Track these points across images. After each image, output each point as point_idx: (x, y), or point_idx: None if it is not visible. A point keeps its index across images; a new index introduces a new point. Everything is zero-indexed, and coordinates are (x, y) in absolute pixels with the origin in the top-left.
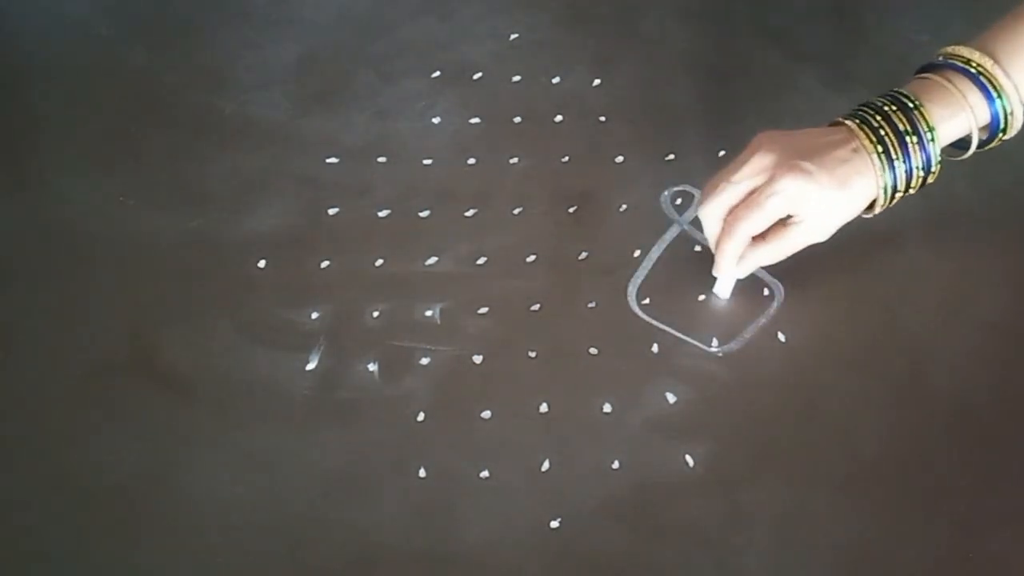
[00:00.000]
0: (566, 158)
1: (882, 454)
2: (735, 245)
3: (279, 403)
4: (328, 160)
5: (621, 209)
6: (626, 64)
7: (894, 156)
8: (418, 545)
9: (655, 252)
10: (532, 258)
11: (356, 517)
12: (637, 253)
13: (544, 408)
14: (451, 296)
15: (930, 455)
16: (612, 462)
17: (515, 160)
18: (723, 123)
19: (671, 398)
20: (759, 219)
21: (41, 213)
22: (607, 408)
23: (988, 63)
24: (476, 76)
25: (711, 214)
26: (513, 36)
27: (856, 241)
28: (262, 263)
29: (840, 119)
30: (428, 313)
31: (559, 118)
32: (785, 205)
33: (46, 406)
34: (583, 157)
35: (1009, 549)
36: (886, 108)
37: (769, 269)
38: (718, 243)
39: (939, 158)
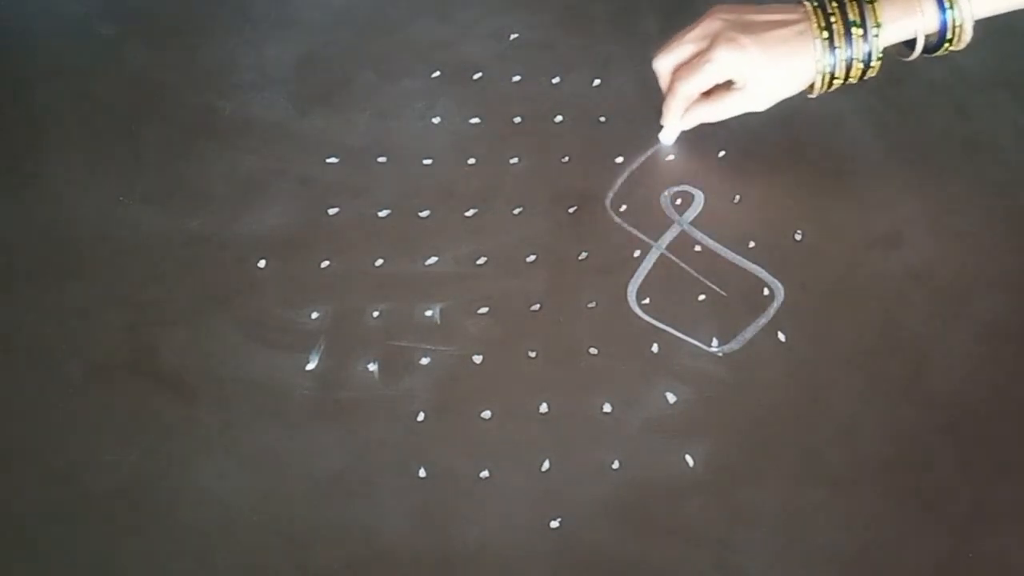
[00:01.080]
0: (566, 158)
1: (882, 454)
2: (676, 101)
3: (279, 403)
4: (328, 160)
5: (621, 209)
6: (626, 64)
7: (836, 44)
8: (418, 545)
9: (655, 252)
10: (532, 258)
11: (356, 517)
12: (637, 253)
13: (544, 408)
14: (451, 296)
15: (930, 455)
16: (612, 462)
17: (515, 160)
18: (723, 123)
19: (671, 398)
20: (696, 81)
21: (41, 213)
22: (607, 408)
23: None
24: (476, 76)
25: (661, 68)
26: (513, 36)
27: (856, 241)
28: (262, 263)
29: None
30: (428, 313)
31: (559, 118)
32: (719, 72)
33: (46, 406)
34: (583, 157)
35: (1009, 549)
36: None
37: (769, 269)
38: (665, 97)
39: (880, 54)
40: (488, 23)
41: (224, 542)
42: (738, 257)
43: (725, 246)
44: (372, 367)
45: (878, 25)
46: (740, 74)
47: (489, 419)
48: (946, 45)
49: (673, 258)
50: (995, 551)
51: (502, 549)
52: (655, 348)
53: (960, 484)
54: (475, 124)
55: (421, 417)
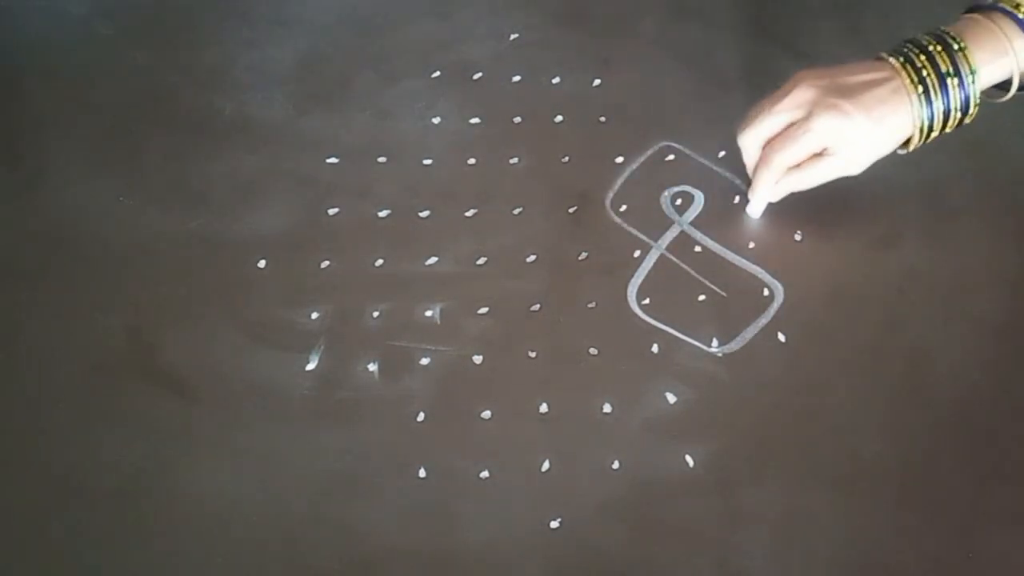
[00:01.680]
0: (566, 158)
1: (882, 454)
2: (771, 174)
3: (279, 403)
4: (328, 160)
5: (621, 209)
6: (626, 64)
7: (933, 96)
8: (418, 545)
9: (655, 252)
10: (532, 258)
11: (356, 517)
12: (637, 253)
13: (544, 408)
14: (451, 296)
15: (930, 455)
16: (612, 462)
17: (515, 160)
18: (723, 123)
19: (671, 398)
20: (795, 152)
21: (41, 213)
22: (607, 408)
23: None
24: (476, 76)
25: (750, 142)
26: (513, 36)
27: (856, 241)
28: (262, 263)
29: (884, 55)
30: (428, 313)
31: (559, 118)
32: (820, 141)
33: (46, 406)
34: (583, 157)
35: (1009, 549)
36: (930, 47)
37: (769, 269)
38: (756, 170)
39: (978, 100)
40: (488, 23)
41: (224, 542)
42: (738, 257)
43: (725, 246)
44: (372, 367)
45: (973, 72)
46: (841, 139)
47: (489, 419)
48: None
49: (673, 258)
50: (995, 551)
51: (502, 549)
52: (655, 348)
53: (960, 484)
54: (475, 124)
55: (421, 417)
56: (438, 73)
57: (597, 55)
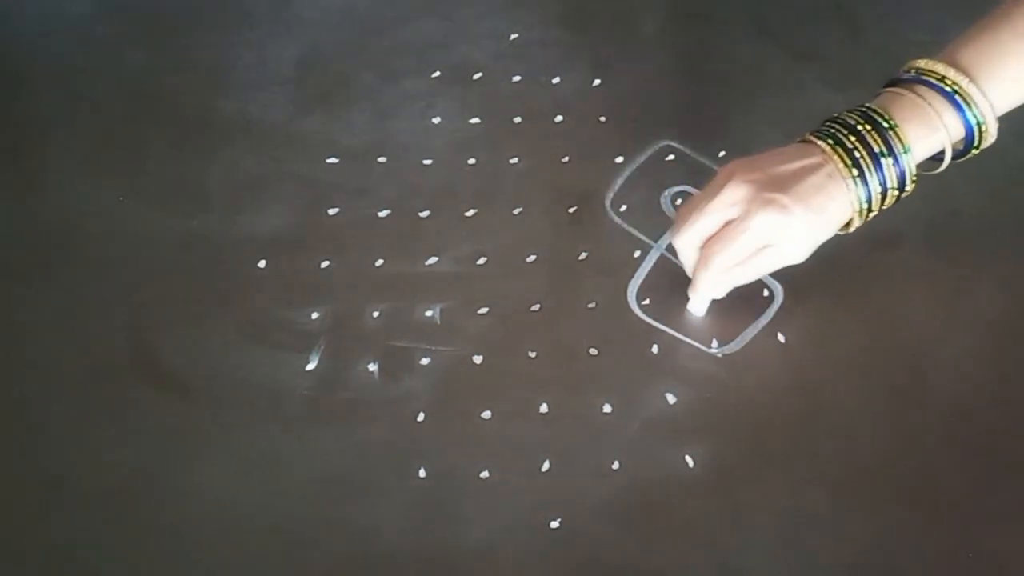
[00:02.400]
0: (566, 158)
1: (882, 454)
2: (713, 275)
3: (279, 403)
4: (328, 160)
5: (621, 209)
6: (626, 64)
7: (869, 177)
8: (418, 545)
9: (655, 252)
10: (532, 258)
11: (356, 517)
12: (637, 253)
13: (544, 408)
14: (451, 296)
15: (930, 455)
16: (612, 462)
17: (515, 160)
18: (723, 123)
19: (671, 398)
20: (735, 252)
21: (41, 213)
22: (607, 408)
23: (963, 80)
24: (476, 76)
25: (687, 244)
26: (513, 36)
27: (856, 241)
28: (262, 263)
29: (811, 137)
30: (428, 313)
31: (559, 118)
32: (760, 239)
33: (46, 406)
34: (583, 157)
35: (1009, 549)
36: (859, 128)
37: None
38: (696, 272)
39: (914, 176)
40: (488, 23)
41: (224, 542)
42: None
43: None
44: (372, 367)
45: (907, 150)
46: (782, 235)
47: (489, 419)
48: (973, 150)
49: (673, 258)
50: (995, 551)
51: (502, 549)
52: (655, 349)
53: (960, 484)
54: (475, 124)
55: (421, 417)
56: (438, 73)
57: (597, 55)
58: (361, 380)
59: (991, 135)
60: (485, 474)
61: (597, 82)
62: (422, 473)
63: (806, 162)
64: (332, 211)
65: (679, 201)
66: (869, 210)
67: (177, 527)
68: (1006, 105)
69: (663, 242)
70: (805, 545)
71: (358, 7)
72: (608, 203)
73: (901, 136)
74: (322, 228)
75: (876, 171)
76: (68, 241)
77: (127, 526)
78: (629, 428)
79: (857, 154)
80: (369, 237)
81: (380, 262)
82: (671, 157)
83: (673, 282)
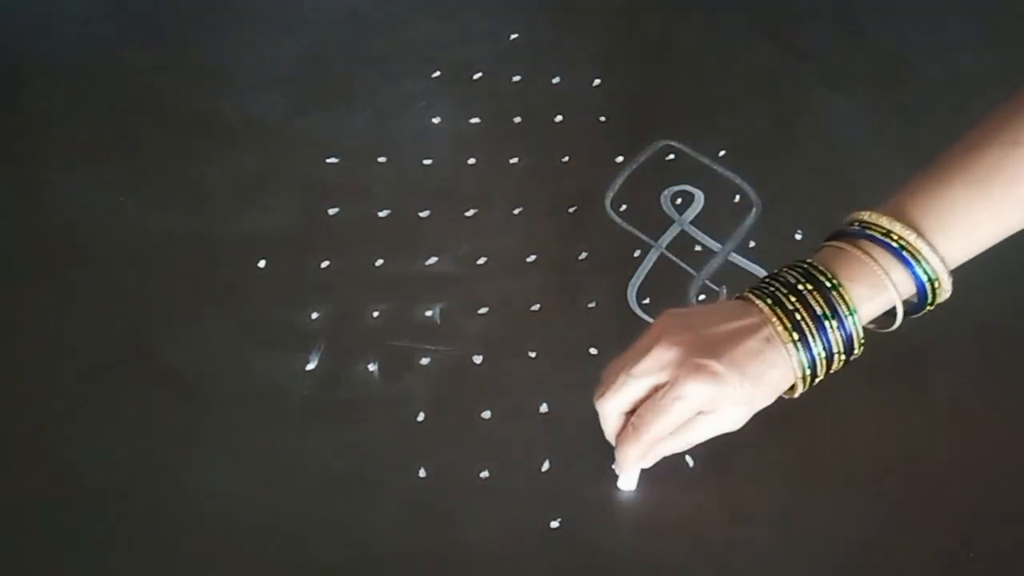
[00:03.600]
0: (566, 158)
1: (882, 454)
2: (641, 448)
3: (279, 403)
4: (328, 160)
5: (621, 209)
6: (626, 64)
7: (812, 343)
8: (418, 545)
9: (655, 252)
10: (532, 258)
11: (356, 517)
12: (637, 253)
13: (544, 408)
14: (451, 296)
15: (930, 455)
16: (612, 462)
17: (515, 160)
18: (723, 123)
19: None
20: (665, 423)
21: (41, 213)
22: None
23: (911, 236)
24: (476, 76)
25: (611, 410)
26: (513, 36)
27: None
28: (262, 263)
29: (749, 294)
30: (428, 313)
31: (559, 118)
32: (693, 407)
33: (46, 406)
34: (583, 157)
35: (1009, 549)
36: (800, 287)
37: (769, 269)
38: (621, 442)
39: (862, 339)
40: (488, 23)
41: (224, 542)
42: (738, 257)
43: (725, 246)
44: (372, 367)
45: (852, 313)
46: (715, 403)
47: (489, 419)
48: (927, 306)
49: (673, 258)
50: (995, 551)
51: (502, 549)
52: None
53: (960, 484)
54: (475, 124)
55: (421, 417)
56: (438, 73)
57: (597, 55)
58: (361, 380)
59: (945, 290)
60: (485, 474)
61: (597, 82)
62: (422, 473)
63: (743, 323)
64: (332, 211)
65: (679, 200)
66: (814, 376)
67: (177, 527)
68: (960, 258)
69: (663, 242)
70: (805, 545)
71: (358, 7)
72: (608, 203)
73: (846, 297)
74: (322, 228)
75: (819, 335)
76: (68, 241)
77: (127, 526)
78: None
79: (798, 316)
80: (369, 237)
81: (380, 262)
82: (671, 157)
83: (673, 282)
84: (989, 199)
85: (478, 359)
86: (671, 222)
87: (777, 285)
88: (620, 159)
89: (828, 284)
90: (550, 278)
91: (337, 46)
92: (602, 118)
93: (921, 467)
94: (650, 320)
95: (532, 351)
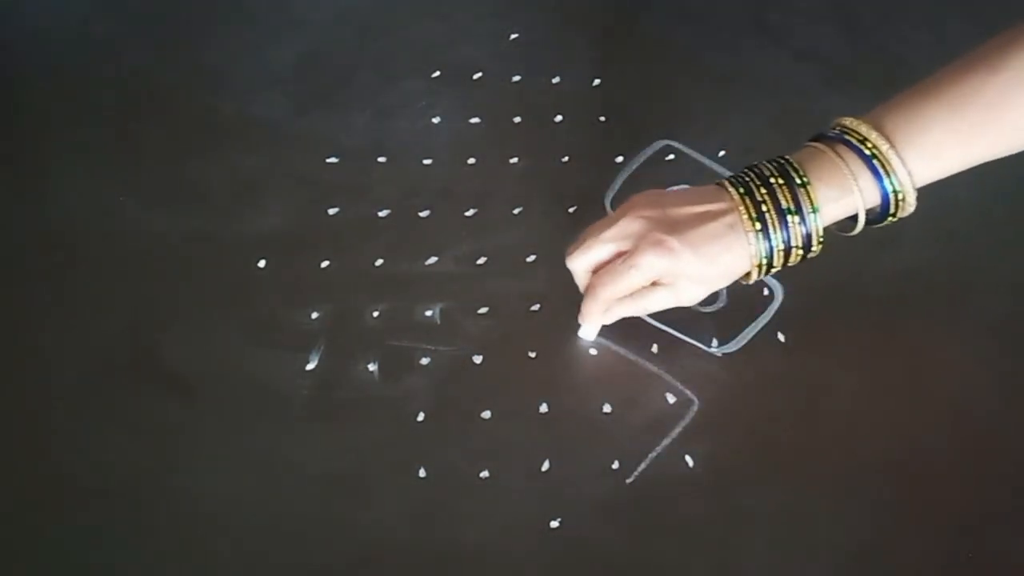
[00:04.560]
0: (566, 158)
1: (882, 454)
2: (598, 305)
3: (279, 403)
4: (328, 160)
5: None
6: (626, 64)
7: (772, 233)
8: (418, 545)
9: None
10: (532, 258)
11: (356, 517)
12: None
13: (544, 408)
14: (451, 296)
15: (930, 455)
16: (612, 462)
17: (515, 160)
18: (723, 123)
19: (671, 398)
20: (620, 287)
21: (41, 213)
22: (607, 408)
23: (884, 146)
24: (476, 76)
25: (579, 267)
26: (513, 36)
27: (856, 241)
28: (262, 263)
29: (725, 181)
30: (428, 313)
31: (559, 118)
32: (646, 277)
33: (46, 406)
34: (583, 157)
35: (1009, 549)
36: (772, 180)
37: None
38: (584, 299)
39: (821, 237)
40: (488, 23)
41: (224, 542)
42: None
43: None
44: (372, 367)
45: (815, 210)
46: (669, 276)
47: (489, 419)
48: (889, 217)
49: None
50: (995, 551)
51: (502, 549)
52: (655, 348)
53: (960, 484)
54: (475, 124)
55: (421, 417)
56: (438, 73)
57: (597, 55)
58: (361, 380)
59: (910, 205)
60: (485, 474)
61: (597, 82)
62: (422, 473)
63: (710, 207)
64: (332, 211)
65: None
66: (770, 266)
67: (177, 527)
68: (927, 177)
69: None
70: (805, 545)
71: (358, 7)
72: (608, 203)
73: (812, 195)
74: (322, 228)
75: (781, 228)
76: (68, 241)
77: (127, 526)
78: (629, 428)
79: (764, 208)
80: (369, 237)
81: (380, 262)
82: (671, 157)
83: None
84: (962, 122)
85: (478, 359)
86: None
87: (752, 176)
88: (620, 159)
89: (799, 181)
90: (550, 278)
91: (337, 46)
92: (602, 118)
93: (921, 467)
94: (650, 320)
95: (532, 351)
